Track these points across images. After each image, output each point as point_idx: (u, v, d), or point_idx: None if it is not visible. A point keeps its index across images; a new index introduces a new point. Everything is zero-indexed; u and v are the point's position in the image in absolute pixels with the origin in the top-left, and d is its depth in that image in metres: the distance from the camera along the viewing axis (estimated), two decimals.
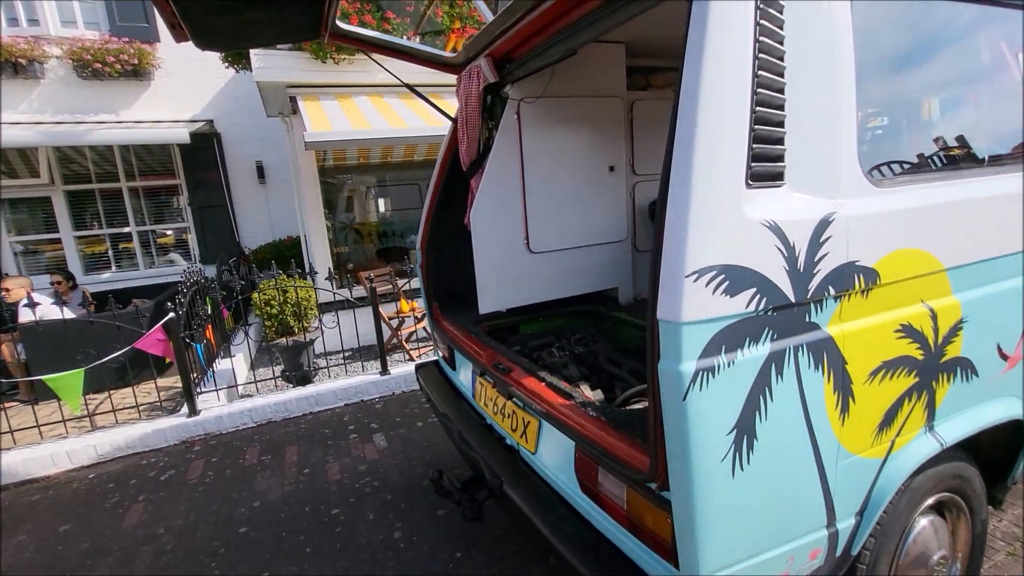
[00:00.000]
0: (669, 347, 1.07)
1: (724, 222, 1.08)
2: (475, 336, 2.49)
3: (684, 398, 1.06)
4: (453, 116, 2.80)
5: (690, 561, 1.18)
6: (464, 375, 2.63)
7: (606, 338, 2.78)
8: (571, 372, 2.35)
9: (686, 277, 1.05)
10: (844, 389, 1.27)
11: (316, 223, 6.03)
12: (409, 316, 5.53)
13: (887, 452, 1.39)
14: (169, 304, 3.76)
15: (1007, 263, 1.54)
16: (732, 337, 1.10)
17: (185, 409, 3.95)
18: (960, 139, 1.60)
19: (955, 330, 1.45)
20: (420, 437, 3.66)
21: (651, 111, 2.94)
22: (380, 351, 4.49)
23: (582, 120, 2.69)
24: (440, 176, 2.87)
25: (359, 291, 5.63)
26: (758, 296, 1.11)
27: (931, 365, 1.41)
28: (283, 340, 4.48)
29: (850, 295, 1.25)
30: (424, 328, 5.61)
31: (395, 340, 5.36)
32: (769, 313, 1.13)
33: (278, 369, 4.97)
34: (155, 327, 3.71)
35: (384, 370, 4.49)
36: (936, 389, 1.45)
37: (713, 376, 1.08)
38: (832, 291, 1.21)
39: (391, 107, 5.70)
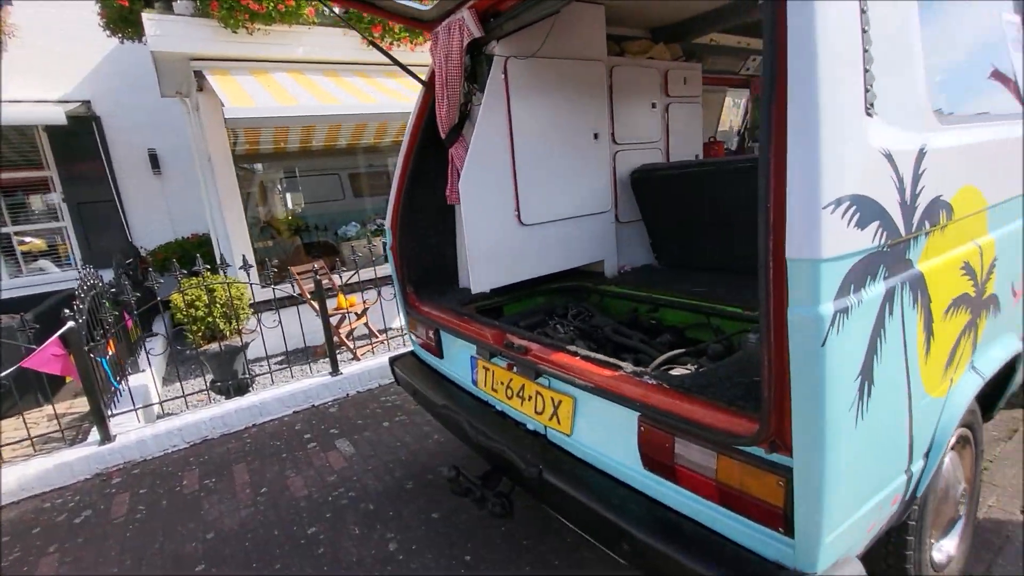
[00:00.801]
0: (803, 289, 0.96)
1: (853, 149, 0.99)
2: (470, 318, 2.26)
3: (823, 343, 0.95)
4: (424, 79, 2.53)
5: (812, 525, 1.08)
6: (457, 362, 2.40)
7: (601, 312, 2.67)
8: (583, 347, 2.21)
9: (823, 208, 0.93)
10: (928, 328, 1.24)
11: (234, 216, 5.34)
12: (349, 312, 5.10)
13: (947, 390, 1.40)
14: (67, 312, 3.09)
15: (1018, 203, 1.62)
16: (860, 274, 1.01)
17: (95, 436, 3.29)
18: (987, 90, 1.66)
19: (992, 268, 1.50)
20: (390, 438, 3.34)
21: (628, 78, 2.86)
22: (330, 350, 4.06)
23: (566, 84, 2.54)
24: (410, 148, 2.59)
25: (286, 289, 5.09)
26: (881, 229, 1.03)
27: (978, 302, 1.45)
28: (213, 346, 3.90)
29: (934, 231, 1.22)
30: (366, 325, 5.20)
31: (335, 339, 4.91)
32: (885, 249, 1.06)
33: (204, 380, 4.34)
34: (50, 340, 3.04)
35: (335, 370, 4.08)
36: (979, 326, 1.49)
37: (847, 318, 0.98)
38: (927, 226, 1.17)
39: (317, 84, 5.18)
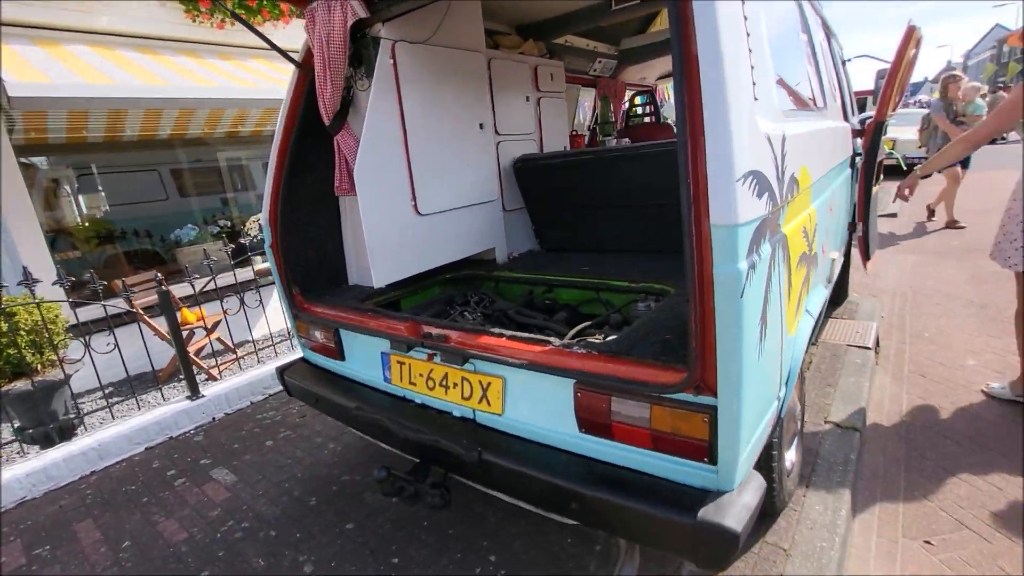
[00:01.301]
0: (724, 250, 1.14)
1: (749, 131, 1.19)
2: (377, 313, 2.18)
3: (742, 295, 1.15)
4: (297, 60, 2.34)
5: (731, 451, 1.30)
6: (363, 361, 2.28)
7: (489, 294, 2.74)
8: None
9: (736, 181, 1.12)
10: (788, 279, 1.56)
11: (24, 220, 4.28)
12: (197, 328, 4.46)
13: (796, 329, 1.77)
14: None
15: (822, 182, 2.09)
16: (758, 236, 1.23)
17: None
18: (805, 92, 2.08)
19: (815, 231, 1.91)
20: (278, 457, 3.04)
21: (504, 72, 2.97)
22: (186, 370, 3.52)
23: (452, 74, 2.55)
24: (286, 136, 2.38)
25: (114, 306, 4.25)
26: (768, 198, 1.27)
27: (809, 258, 1.84)
28: (19, 384, 3.09)
29: (791, 201, 1.52)
30: (219, 339, 4.60)
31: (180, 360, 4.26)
32: (769, 215, 1.30)
33: (10, 427, 3.43)
34: None
35: (195, 393, 3.54)
36: (810, 278, 1.89)
37: (754, 272, 1.20)
38: (788, 197, 1.46)
39: (133, 61, 4.38)
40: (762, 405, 1.45)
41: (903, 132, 9.99)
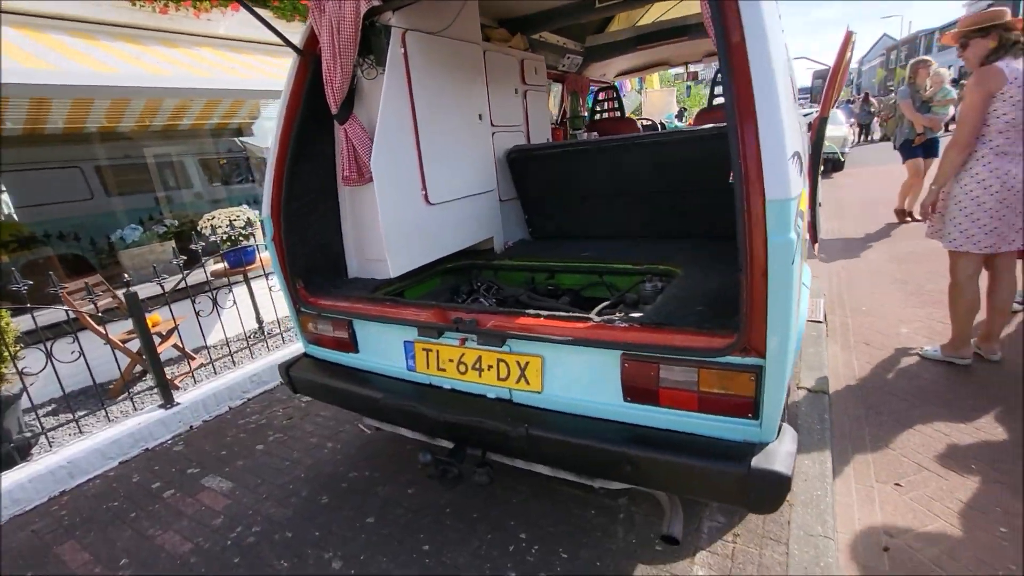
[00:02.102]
0: (779, 222, 1.29)
1: (791, 114, 1.34)
2: (397, 302, 2.18)
3: (792, 262, 1.30)
4: (299, 46, 2.28)
5: (773, 406, 1.45)
6: (381, 352, 2.27)
7: (497, 282, 2.80)
8: None
9: (788, 160, 1.27)
10: (799, 248, 1.74)
11: None
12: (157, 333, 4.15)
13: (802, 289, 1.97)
14: None
15: None
16: (797, 208, 1.38)
17: None
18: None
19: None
20: (273, 460, 2.93)
21: (496, 64, 3.02)
22: (157, 377, 3.29)
23: (455, 64, 2.58)
24: (288, 126, 2.31)
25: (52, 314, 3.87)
26: (802, 175, 1.43)
27: (801, 235, 2.06)
28: None
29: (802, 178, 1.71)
30: (176, 346, 4.32)
31: (137, 369, 3.97)
32: (798, 193, 1.47)
33: None
34: None
35: (168, 402, 3.33)
36: (803, 253, 2.11)
37: (797, 241, 1.35)
38: (804, 173, 1.64)
39: (68, 45, 4.00)
40: (792, 360, 1.62)
41: (834, 129, 11.05)
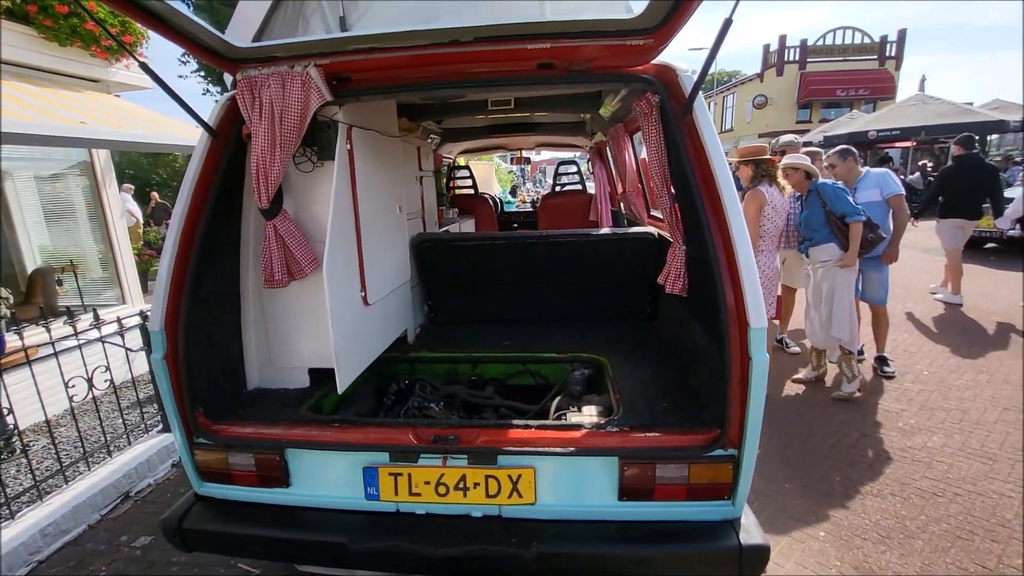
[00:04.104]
0: (759, 344, 1.62)
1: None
2: (348, 424, 1.95)
3: (765, 376, 1.65)
4: (212, 126, 1.95)
5: (745, 486, 1.77)
6: (327, 483, 1.96)
7: (428, 379, 2.68)
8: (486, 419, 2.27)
9: (761, 295, 1.63)
10: None
11: None
12: None
13: None
14: None
15: None
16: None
17: None
18: None
19: None
20: None
21: (404, 154, 2.98)
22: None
23: (382, 157, 2.48)
24: (194, 216, 1.93)
25: None
26: None
27: None
28: None
29: None
30: None
31: None
32: None
33: None
34: None
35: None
36: None
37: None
38: None
39: None
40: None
41: None
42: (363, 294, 2.23)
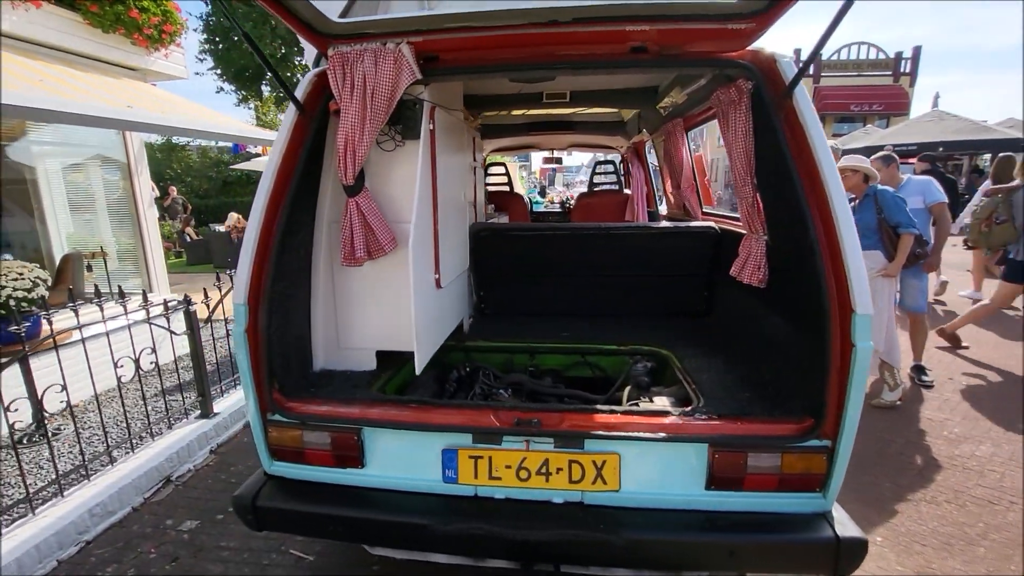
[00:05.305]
0: (864, 332, 1.59)
1: None
2: (429, 405, 1.92)
3: (868, 364, 1.62)
4: (300, 103, 1.94)
5: (839, 478, 1.73)
6: (402, 464, 1.93)
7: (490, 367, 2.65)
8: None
9: (867, 281, 1.60)
10: None
11: None
12: None
13: None
14: None
15: None
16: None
17: None
18: None
19: None
20: None
21: (469, 142, 2.97)
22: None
23: (456, 141, 2.47)
24: (279, 191, 1.91)
25: None
26: None
27: None
28: None
29: None
30: None
31: None
32: None
33: None
34: None
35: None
36: None
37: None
38: None
39: None
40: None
41: None
42: (437, 276, 2.20)
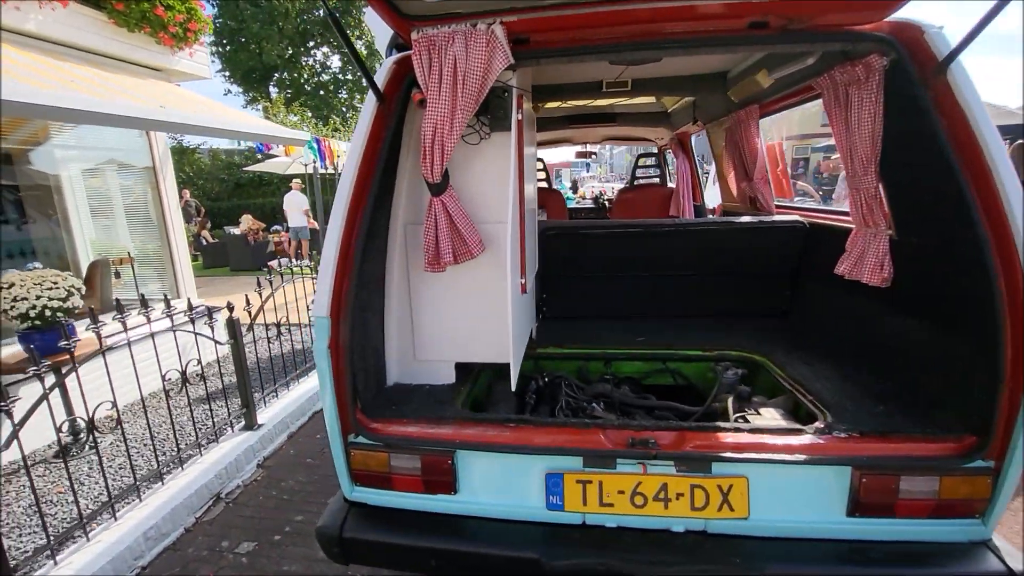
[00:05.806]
0: None
1: None
2: (532, 424, 1.74)
3: None
4: (380, 91, 1.76)
5: (1003, 503, 1.53)
6: (499, 489, 1.75)
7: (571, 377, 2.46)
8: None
9: None
10: None
11: None
12: None
13: None
14: None
15: None
16: None
17: None
18: None
19: None
20: None
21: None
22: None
23: (529, 132, 2.27)
24: (361, 194, 1.73)
25: None
26: None
27: None
28: None
29: None
30: None
31: None
32: None
33: None
34: None
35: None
36: None
37: None
38: None
39: None
40: None
41: None
42: (523, 280, 2.02)
